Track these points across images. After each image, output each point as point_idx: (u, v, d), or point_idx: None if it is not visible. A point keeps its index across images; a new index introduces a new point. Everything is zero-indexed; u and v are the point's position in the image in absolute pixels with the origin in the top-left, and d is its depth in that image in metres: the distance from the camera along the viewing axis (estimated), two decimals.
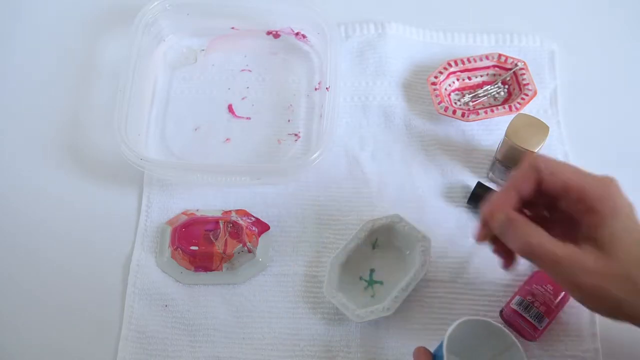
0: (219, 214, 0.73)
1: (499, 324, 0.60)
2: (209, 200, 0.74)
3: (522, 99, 0.76)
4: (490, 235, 0.56)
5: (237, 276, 0.70)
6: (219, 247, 0.69)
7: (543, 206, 0.57)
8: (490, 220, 0.55)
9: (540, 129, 0.68)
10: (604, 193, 0.52)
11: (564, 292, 0.65)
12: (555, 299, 0.64)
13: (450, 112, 0.76)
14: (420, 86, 0.81)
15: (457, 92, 0.80)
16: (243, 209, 0.74)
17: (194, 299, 0.69)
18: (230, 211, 0.73)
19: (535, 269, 0.67)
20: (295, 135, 0.78)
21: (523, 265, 0.68)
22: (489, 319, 0.60)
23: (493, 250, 0.59)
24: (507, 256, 0.58)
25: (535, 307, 0.64)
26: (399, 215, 0.70)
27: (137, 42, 0.77)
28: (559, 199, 0.54)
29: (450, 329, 0.57)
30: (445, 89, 0.79)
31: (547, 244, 0.52)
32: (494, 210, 0.55)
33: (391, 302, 0.65)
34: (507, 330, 0.60)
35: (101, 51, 0.84)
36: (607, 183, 0.53)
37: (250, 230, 0.71)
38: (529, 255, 0.53)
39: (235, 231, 0.70)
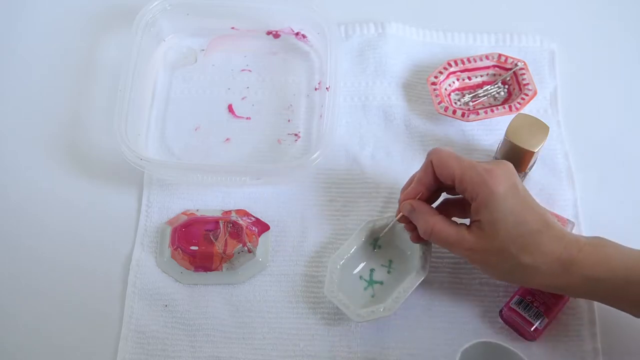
0: (219, 214, 0.73)
1: (516, 350, 0.61)
2: (209, 200, 0.74)
3: (522, 99, 0.76)
4: (405, 218, 0.66)
5: (237, 276, 0.70)
6: (219, 247, 0.69)
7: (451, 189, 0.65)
8: (401, 208, 0.65)
9: (540, 129, 0.68)
10: (481, 181, 0.59)
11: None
12: (555, 299, 0.64)
13: (450, 112, 0.76)
14: (420, 86, 0.80)
15: (457, 92, 0.80)
16: (243, 209, 0.74)
17: (194, 299, 0.69)
18: (230, 211, 0.73)
19: None
20: (295, 135, 0.78)
21: None
22: (507, 345, 0.61)
23: (405, 227, 0.67)
24: (415, 233, 0.66)
25: (535, 306, 0.64)
26: None
27: (137, 42, 0.77)
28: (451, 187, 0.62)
29: (462, 349, 0.59)
30: (445, 89, 0.79)
31: (442, 228, 0.61)
32: (403, 199, 0.65)
33: (392, 303, 0.65)
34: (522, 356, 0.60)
35: (101, 51, 0.84)
36: (486, 171, 0.59)
37: (250, 230, 0.71)
38: (429, 237, 0.63)
39: (235, 231, 0.70)
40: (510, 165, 0.61)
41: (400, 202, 0.66)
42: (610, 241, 0.61)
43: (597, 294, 0.61)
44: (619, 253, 0.60)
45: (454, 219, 0.64)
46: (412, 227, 0.66)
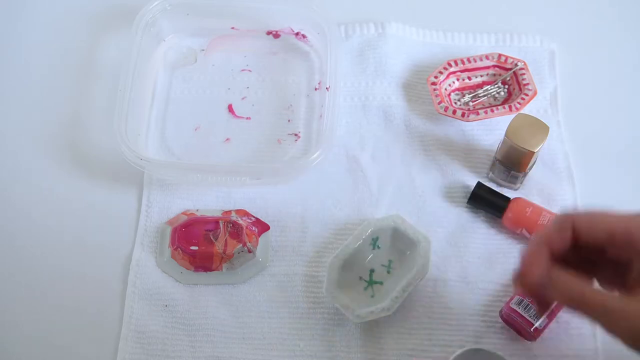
0: (219, 214, 0.73)
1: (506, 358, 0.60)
2: (209, 200, 0.74)
3: (522, 99, 0.76)
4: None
5: (237, 276, 0.70)
6: (219, 247, 0.69)
7: (585, 254, 0.53)
8: (524, 285, 0.51)
9: (540, 129, 0.68)
10: None
11: None
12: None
13: (450, 112, 0.76)
14: (420, 86, 0.80)
15: (457, 92, 0.80)
16: (243, 209, 0.74)
17: (194, 299, 0.69)
18: (230, 211, 0.73)
19: None
20: (295, 135, 0.78)
21: None
22: (499, 353, 0.60)
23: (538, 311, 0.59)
24: (542, 305, 0.56)
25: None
26: (400, 216, 0.70)
27: (137, 42, 0.77)
28: (604, 248, 0.51)
29: (455, 354, 0.59)
30: (445, 89, 0.79)
31: (595, 295, 0.48)
32: (525, 273, 0.51)
33: (391, 303, 0.65)
34: None
35: (101, 51, 0.84)
36: None
37: (250, 230, 0.71)
38: (578, 306, 0.49)
39: (235, 231, 0.70)
40: None
41: (515, 278, 0.52)
42: None
43: None
44: None
45: None
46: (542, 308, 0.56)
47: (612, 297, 0.48)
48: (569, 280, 0.49)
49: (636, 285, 0.49)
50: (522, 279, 0.51)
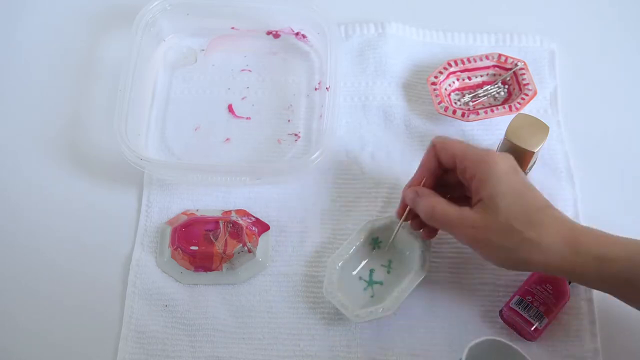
0: (219, 214, 0.73)
1: (520, 350, 0.60)
2: (209, 200, 0.74)
3: (522, 99, 0.76)
4: (410, 214, 0.66)
5: (237, 276, 0.70)
6: (219, 247, 0.69)
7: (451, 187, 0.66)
8: (405, 196, 0.65)
9: (540, 129, 0.68)
10: (482, 159, 0.60)
11: (564, 292, 0.65)
12: (555, 299, 0.64)
13: (450, 112, 0.76)
14: (420, 86, 0.80)
15: (457, 92, 0.80)
16: (243, 209, 0.74)
17: (194, 299, 0.69)
18: (230, 211, 0.73)
19: None
20: (295, 135, 0.78)
21: None
22: (514, 345, 0.60)
23: (411, 225, 0.67)
24: (425, 228, 0.67)
25: (535, 306, 0.64)
26: None
27: (137, 42, 0.77)
28: (453, 170, 0.63)
29: (470, 345, 0.59)
30: (445, 89, 0.79)
31: (444, 208, 0.61)
32: (408, 187, 0.66)
33: (391, 303, 0.65)
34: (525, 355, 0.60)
35: (101, 51, 0.84)
36: (487, 152, 0.61)
37: (250, 230, 0.71)
38: (431, 219, 0.62)
39: (235, 231, 0.70)
40: (511, 156, 0.61)
41: (402, 193, 0.66)
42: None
43: (608, 280, 0.58)
44: (629, 238, 0.58)
45: None
46: (417, 225, 0.67)
47: (453, 209, 0.61)
48: (427, 195, 0.63)
49: (475, 202, 0.60)
50: (404, 194, 0.65)
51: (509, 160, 0.61)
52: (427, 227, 0.67)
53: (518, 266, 0.60)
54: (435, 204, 0.62)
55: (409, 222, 0.67)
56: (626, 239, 0.58)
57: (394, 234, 0.68)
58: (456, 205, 0.61)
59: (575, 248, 0.57)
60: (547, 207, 0.59)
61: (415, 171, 0.67)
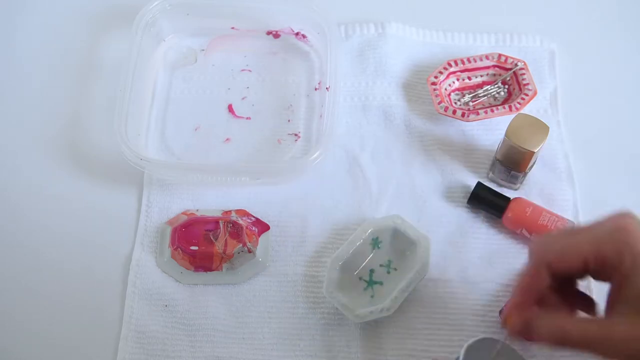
0: (219, 214, 0.73)
1: (517, 350, 0.59)
2: (209, 200, 0.74)
3: (522, 99, 0.76)
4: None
5: (237, 276, 0.70)
6: (219, 247, 0.69)
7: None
8: (508, 328, 0.52)
9: (540, 129, 0.68)
10: (621, 246, 0.46)
11: None
12: None
13: (450, 112, 0.76)
14: (420, 86, 0.80)
15: (457, 92, 0.80)
16: (243, 209, 0.74)
17: (194, 299, 0.69)
18: (230, 211, 0.73)
19: None
20: (295, 135, 0.78)
21: (522, 265, 0.68)
22: (509, 343, 0.59)
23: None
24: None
25: None
26: (399, 216, 0.70)
27: (137, 42, 0.77)
28: (582, 274, 0.50)
29: (467, 344, 0.58)
30: (445, 89, 0.79)
31: (575, 328, 0.47)
32: (507, 316, 0.51)
33: (391, 303, 0.65)
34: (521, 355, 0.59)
35: (101, 51, 0.84)
36: (621, 228, 0.47)
37: (250, 230, 0.71)
38: (564, 343, 0.48)
39: (235, 231, 0.70)
40: (630, 212, 0.48)
41: (502, 325, 0.53)
42: None
43: None
44: None
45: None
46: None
47: (592, 325, 0.48)
48: (547, 319, 0.49)
49: (615, 308, 0.47)
50: (506, 327, 0.51)
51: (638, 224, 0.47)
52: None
53: None
54: (563, 324, 0.47)
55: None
56: None
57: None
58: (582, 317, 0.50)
59: None
60: None
61: (514, 290, 0.52)
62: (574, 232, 0.50)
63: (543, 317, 0.49)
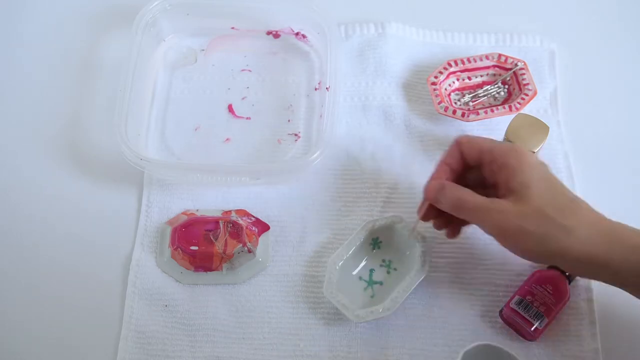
0: (219, 214, 0.73)
1: (516, 355, 0.61)
2: (209, 200, 0.74)
3: (522, 99, 0.76)
4: (431, 213, 0.65)
5: (237, 276, 0.70)
6: (219, 247, 0.69)
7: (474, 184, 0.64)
8: (427, 191, 0.63)
9: (540, 129, 0.68)
10: (511, 151, 0.60)
11: (563, 292, 0.65)
12: (555, 299, 0.64)
13: (450, 112, 0.76)
14: (420, 86, 0.80)
15: (457, 92, 0.80)
16: (243, 209, 0.74)
17: (194, 299, 0.69)
18: (230, 211, 0.73)
19: (535, 268, 0.67)
20: (295, 135, 0.78)
21: (522, 265, 0.69)
22: (509, 350, 0.61)
23: (434, 225, 0.66)
24: (449, 227, 0.66)
25: (535, 306, 0.64)
26: (399, 216, 0.70)
27: (137, 42, 0.77)
28: (479, 166, 0.62)
29: (465, 350, 0.60)
30: (445, 89, 0.79)
31: (472, 197, 0.60)
32: (430, 182, 0.64)
33: (391, 303, 0.65)
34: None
35: (101, 51, 0.84)
36: (513, 146, 0.61)
37: (250, 230, 0.71)
38: (459, 209, 0.61)
39: (235, 231, 0.70)
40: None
41: (424, 190, 0.64)
42: None
43: None
44: None
45: None
46: (440, 224, 0.66)
47: (483, 198, 0.60)
48: (452, 186, 0.62)
49: (504, 192, 0.59)
50: (427, 190, 0.63)
51: (535, 156, 0.61)
52: (452, 224, 0.66)
53: (551, 257, 0.59)
54: (462, 194, 0.61)
55: (430, 221, 0.66)
56: None
57: (412, 230, 0.67)
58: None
59: (612, 237, 0.56)
60: (579, 199, 0.59)
61: (434, 168, 0.65)
62: (486, 137, 0.63)
63: (451, 187, 0.62)
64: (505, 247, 0.60)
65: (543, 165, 0.61)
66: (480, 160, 0.62)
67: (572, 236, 0.56)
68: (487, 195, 0.60)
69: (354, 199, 0.74)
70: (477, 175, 0.63)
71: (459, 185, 0.62)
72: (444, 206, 0.62)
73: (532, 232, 0.57)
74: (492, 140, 0.62)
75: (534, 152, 0.68)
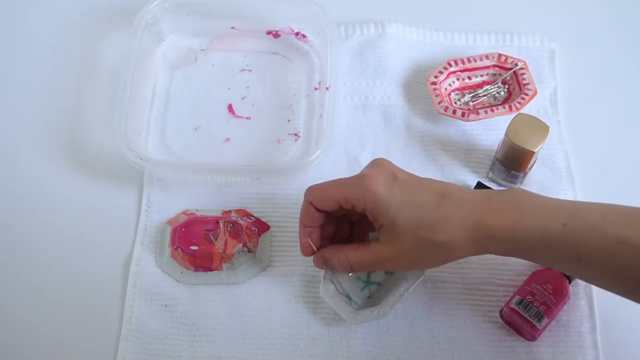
0: (219, 214, 0.73)
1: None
2: (209, 200, 0.74)
3: (522, 98, 0.76)
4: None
5: (237, 276, 0.70)
6: (219, 247, 0.69)
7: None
8: (316, 262, 0.64)
9: (540, 129, 0.68)
10: (360, 189, 0.58)
11: (564, 292, 0.65)
12: (555, 299, 0.64)
13: (450, 112, 0.76)
14: (420, 86, 0.81)
15: (457, 92, 0.80)
16: (243, 209, 0.74)
17: (194, 299, 0.69)
18: (230, 211, 0.73)
19: (535, 268, 0.67)
20: (295, 135, 0.78)
21: (522, 265, 0.69)
22: None
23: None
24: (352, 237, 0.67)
25: (535, 306, 0.64)
26: None
27: (137, 42, 0.77)
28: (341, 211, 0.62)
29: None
30: (445, 89, 0.79)
31: (356, 254, 0.61)
32: (303, 251, 0.64)
33: (387, 305, 0.65)
34: None
35: (101, 51, 0.84)
36: (361, 180, 0.59)
37: (250, 230, 0.71)
38: (352, 271, 0.63)
39: (235, 231, 0.70)
40: (382, 159, 0.61)
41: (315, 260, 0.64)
42: (529, 193, 0.58)
43: (521, 251, 0.57)
44: (533, 205, 0.57)
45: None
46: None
47: (366, 251, 0.60)
48: (335, 253, 0.62)
49: (379, 227, 0.59)
50: (314, 261, 0.64)
51: (384, 172, 0.59)
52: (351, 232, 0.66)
53: (446, 263, 0.60)
54: (346, 256, 0.61)
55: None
56: (537, 204, 0.57)
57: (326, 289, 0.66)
58: (361, 240, 0.63)
59: (473, 234, 0.56)
60: (441, 199, 0.58)
61: (300, 229, 0.64)
62: (335, 181, 0.62)
63: (332, 252, 0.62)
64: None
65: (393, 180, 0.59)
66: (341, 208, 0.61)
67: (446, 248, 0.57)
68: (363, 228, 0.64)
69: None
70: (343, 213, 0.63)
71: (336, 248, 0.63)
72: (339, 269, 0.64)
73: (419, 259, 0.59)
74: (336, 183, 0.61)
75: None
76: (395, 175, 0.59)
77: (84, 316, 0.69)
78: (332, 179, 0.74)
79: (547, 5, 0.87)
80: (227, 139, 0.78)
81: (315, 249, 0.63)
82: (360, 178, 0.59)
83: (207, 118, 0.79)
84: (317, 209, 0.61)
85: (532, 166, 0.72)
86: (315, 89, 0.81)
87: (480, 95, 0.79)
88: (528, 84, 0.77)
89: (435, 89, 0.77)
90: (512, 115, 0.70)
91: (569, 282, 0.66)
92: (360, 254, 0.61)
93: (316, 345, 0.67)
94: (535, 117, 0.69)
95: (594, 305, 0.67)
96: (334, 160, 0.76)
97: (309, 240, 0.63)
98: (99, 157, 0.77)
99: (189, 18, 0.82)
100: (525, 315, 0.64)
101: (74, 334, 0.68)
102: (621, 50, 0.84)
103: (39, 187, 0.76)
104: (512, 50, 0.82)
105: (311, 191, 0.62)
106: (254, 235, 0.71)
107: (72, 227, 0.73)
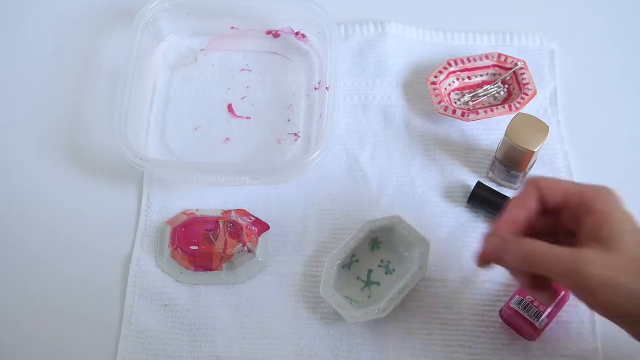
0: (219, 214, 0.73)
1: None
2: (209, 200, 0.74)
3: (522, 98, 0.76)
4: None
5: (237, 276, 0.70)
6: (219, 247, 0.69)
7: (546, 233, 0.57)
8: (488, 244, 0.56)
9: (540, 129, 0.68)
10: (602, 195, 0.54)
11: (564, 292, 0.65)
12: (555, 299, 0.64)
13: (450, 112, 0.76)
14: (420, 86, 0.81)
15: (457, 92, 0.80)
16: (243, 209, 0.74)
17: (194, 299, 0.69)
18: (230, 211, 0.73)
19: None
20: (295, 135, 0.78)
21: None
22: None
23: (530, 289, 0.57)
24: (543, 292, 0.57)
25: (535, 306, 0.64)
26: (399, 217, 0.70)
27: (137, 42, 0.77)
28: (561, 210, 0.55)
29: None
30: (445, 89, 0.79)
31: (547, 249, 0.51)
32: (497, 228, 0.55)
33: (386, 304, 0.65)
34: None
35: (101, 51, 0.84)
36: (605, 189, 0.54)
37: (250, 230, 0.71)
38: (531, 265, 0.52)
39: (235, 231, 0.70)
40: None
41: (484, 240, 0.56)
42: None
43: None
44: None
45: None
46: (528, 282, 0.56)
47: (560, 250, 0.51)
48: (522, 240, 0.53)
49: (587, 241, 0.52)
50: (485, 242, 0.56)
51: (622, 203, 0.54)
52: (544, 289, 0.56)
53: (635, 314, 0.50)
54: (533, 247, 0.52)
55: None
56: None
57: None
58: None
59: None
60: None
61: (505, 210, 0.56)
62: (564, 180, 0.57)
63: (518, 239, 0.53)
64: (587, 304, 0.51)
65: (630, 215, 0.53)
66: (563, 204, 0.55)
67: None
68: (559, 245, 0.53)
69: (354, 198, 0.74)
70: (546, 223, 0.57)
71: (525, 238, 0.54)
72: (510, 263, 0.54)
73: (624, 286, 0.49)
74: (577, 183, 0.56)
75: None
76: (626, 206, 0.54)
77: (83, 316, 0.69)
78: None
79: (547, 5, 0.87)
80: (227, 139, 0.78)
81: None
82: (596, 185, 0.55)
83: (207, 118, 0.79)
84: (538, 198, 0.55)
85: (532, 166, 0.72)
86: (315, 89, 0.81)
87: (480, 95, 0.79)
88: (528, 84, 0.77)
89: (435, 89, 0.77)
90: (512, 115, 0.70)
91: None
92: (553, 247, 0.51)
93: (316, 345, 0.67)
94: (535, 117, 0.69)
95: None
96: (334, 160, 0.76)
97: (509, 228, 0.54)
98: (99, 157, 0.77)
99: (189, 18, 0.82)
100: (525, 315, 0.64)
101: (74, 333, 0.68)
102: (621, 50, 0.84)
103: (39, 187, 0.76)
104: (512, 50, 0.82)
105: (538, 178, 0.55)
106: (254, 235, 0.71)
107: (72, 227, 0.73)
